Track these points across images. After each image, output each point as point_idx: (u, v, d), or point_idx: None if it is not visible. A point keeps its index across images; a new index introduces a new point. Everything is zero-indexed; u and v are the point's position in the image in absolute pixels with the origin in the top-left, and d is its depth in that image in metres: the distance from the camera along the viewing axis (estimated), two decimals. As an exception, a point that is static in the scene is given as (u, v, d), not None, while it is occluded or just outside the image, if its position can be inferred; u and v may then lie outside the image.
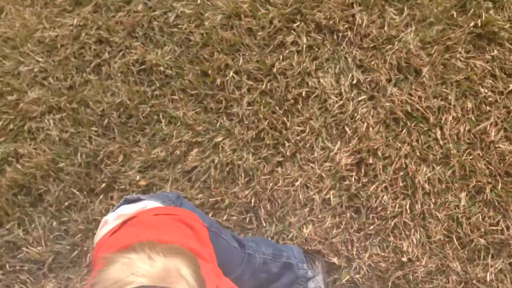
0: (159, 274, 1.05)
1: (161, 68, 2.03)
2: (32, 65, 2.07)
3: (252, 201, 1.88)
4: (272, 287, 1.70)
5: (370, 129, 1.93)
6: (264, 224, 1.86)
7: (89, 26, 2.09)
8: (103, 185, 1.91)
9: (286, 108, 1.98)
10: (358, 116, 1.93)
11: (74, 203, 1.90)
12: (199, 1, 2.11)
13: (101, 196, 1.90)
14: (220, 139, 1.94)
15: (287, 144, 1.93)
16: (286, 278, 1.73)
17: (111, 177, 1.91)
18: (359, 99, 1.97)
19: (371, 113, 1.94)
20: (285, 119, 1.96)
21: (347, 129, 1.93)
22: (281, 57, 2.02)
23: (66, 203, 1.90)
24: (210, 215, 1.84)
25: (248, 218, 1.87)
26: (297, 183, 1.89)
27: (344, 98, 1.98)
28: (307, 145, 1.94)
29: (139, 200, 1.52)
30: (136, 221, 1.39)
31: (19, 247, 1.86)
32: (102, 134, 1.97)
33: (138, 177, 1.91)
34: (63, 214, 1.89)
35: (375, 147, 1.88)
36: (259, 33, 2.05)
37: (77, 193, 1.90)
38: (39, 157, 1.94)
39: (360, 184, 1.86)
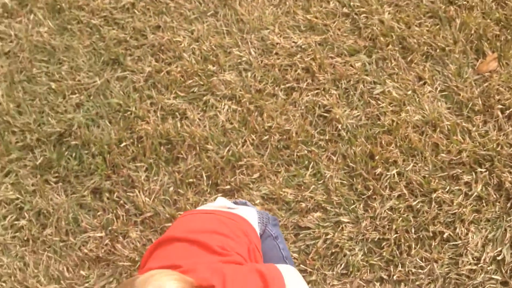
0: None
1: (339, 126, 1.72)
2: (243, 54, 1.83)
3: (335, 295, 1.51)
4: None
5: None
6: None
7: (307, 53, 1.81)
8: (227, 186, 1.65)
9: (420, 236, 1.58)
10: (482, 292, 1.48)
11: (196, 184, 1.66)
12: (410, 92, 1.73)
13: (218, 194, 1.63)
14: (345, 220, 1.60)
15: (398, 268, 1.55)
16: None
17: (238, 184, 1.65)
18: (493, 277, 1.52)
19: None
20: (413, 244, 1.57)
21: (463, 296, 1.49)
22: (447, 188, 1.62)
23: (190, 180, 1.65)
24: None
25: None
26: (384, 311, 1.49)
27: (479, 266, 1.55)
28: (416, 283, 1.53)
29: (244, 205, 1.48)
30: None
31: (134, 187, 1.67)
32: (256, 145, 1.68)
33: (258, 201, 1.61)
34: (182, 186, 1.66)
35: None
36: (442, 154, 1.65)
37: (204, 177, 1.65)
38: (196, 128, 1.71)
39: None
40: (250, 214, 1.46)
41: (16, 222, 1.69)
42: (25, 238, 1.66)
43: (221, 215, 1.40)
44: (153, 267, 1.17)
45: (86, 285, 1.59)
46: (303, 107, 1.80)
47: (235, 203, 1.50)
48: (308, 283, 1.58)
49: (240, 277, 1.24)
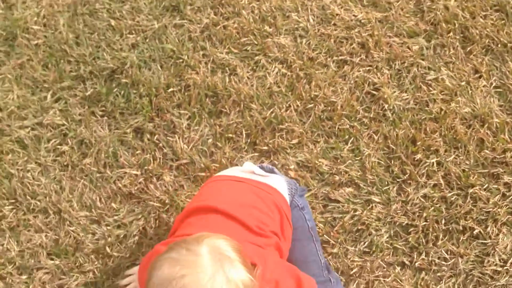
0: None
1: (386, 106, 1.61)
2: (301, 20, 1.73)
3: (355, 271, 1.43)
4: None
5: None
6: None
7: (366, 28, 1.71)
8: (265, 147, 1.59)
9: (450, 228, 1.49)
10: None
11: (235, 140, 1.61)
12: (463, 83, 1.61)
13: (255, 154, 1.57)
14: (376, 200, 1.51)
15: (422, 256, 1.47)
16: None
17: (276, 147, 1.59)
18: (519, 283, 1.41)
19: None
20: (441, 236, 1.48)
21: (483, 294, 1.40)
22: (486, 186, 1.52)
23: (230, 135, 1.58)
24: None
25: (329, 280, 1.43)
26: (400, 294, 1.41)
27: (505, 268, 1.46)
28: (438, 274, 1.44)
29: (272, 172, 1.45)
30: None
31: (174, 132, 1.62)
32: (300, 112, 1.60)
33: (292, 166, 1.53)
34: (221, 140, 1.61)
35: None
36: (486, 151, 1.54)
37: (244, 135, 1.58)
38: (244, 86, 1.65)
39: None
40: (280, 184, 1.41)
41: (58, 147, 1.66)
42: (65, 164, 1.63)
43: (254, 185, 1.35)
44: (191, 233, 1.12)
45: (115, 217, 1.56)
46: (352, 82, 1.69)
47: (261, 167, 1.44)
48: (329, 254, 1.50)
49: (279, 271, 1.22)
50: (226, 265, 1.01)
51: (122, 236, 1.53)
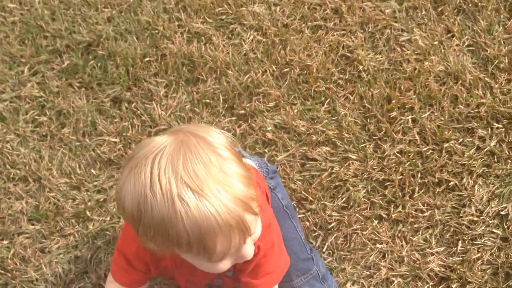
0: None
1: (361, 67, 1.71)
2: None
3: (332, 225, 1.51)
4: None
5: (479, 262, 1.45)
6: (324, 251, 1.48)
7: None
8: (242, 111, 1.66)
9: (426, 181, 1.57)
10: (480, 243, 1.46)
11: (213, 105, 1.68)
12: (436, 43, 1.70)
13: (232, 118, 1.65)
14: (353, 157, 1.59)
15: (398, 209, 1.55)
16: None
17: (253, 110, 1.66)
18: (494, 231, 1.51)
19: (492, 251, 1.46)
20: (417, 189, 1.55)
21: (460, 243, 1.48)
22: (461, 140, 1.60)
23: (207, 101, 1.66)
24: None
25: (317, 235, 1.51)
26: (379, 246, 1.49)
27: (481, 218, 1.54)
28: (415, 225, 1.52)
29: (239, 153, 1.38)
30: None
31: (152, 100, 1.69)
32: (276, 76, 1.68)
33: (270, 128, 1.61)
34: (199, 106, 1.68)
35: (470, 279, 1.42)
36: (460, 106, 1.63)
37: (221, 100, 1.67)
38: (220, 53, 1.72)
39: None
40: (253, 165, 1.44)
41: (37, 117, 1.73)
42: (44, 134, 1.71)
43: None
44: None
45: (95, 183, 1.63)
46: (327, 46, 1.78)
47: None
48: (308, 211, 1.58)
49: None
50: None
51: (102, 200, 1.60)
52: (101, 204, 1.60)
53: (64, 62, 1.81)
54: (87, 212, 1.58)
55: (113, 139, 1.68)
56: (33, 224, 1.59)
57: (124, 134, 1.68)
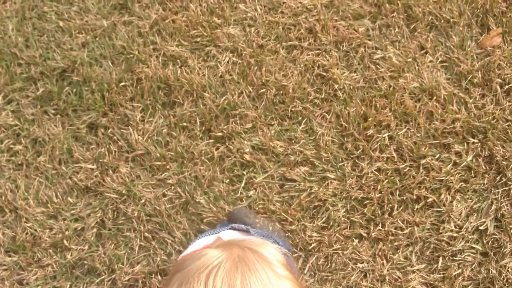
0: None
1: (336, 86, 1.74)
2: (249, 9, 1.88)
3: (313, 246, 1.53)
4: None
5: (460, 278, 1.48)
6: (305, 273, 1.51)
7: (312, 13, 1.89)
8: (219, 133, 1.69)
9: (404, 198, 1.60)
10: (460, 259, 1.49)
11: (190, 129, 1.70)
12: (410, 60, 1.75)
13: (210, 141, 1.67)
14: (332, 176, 1.62)
15: (378, 227, 1.57)
16: None
17: (230, 132, 1.68)
18: (474, 246, 1.54)
19: (473, 267, 1.49)
20: (396, 206, 1.59)
21: (441, 260, 1.51)
22: (437, 156, 1.64)
23: (184, 124, 1.69)
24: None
25: (298, 257, 1.53)
26: (360, 265, 1.52)
27: (460, 233, 1.57)
28: (395, 243, 1.55)
29: (247, 232, 1.29)
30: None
31: (128, 125, 1.71)
32: (252, 98, 1.72)
33: (247, 150, 1.64)
34: (176, 129, 1.70)
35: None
36: (436, 122, 1.67)
37: (198, 123, 1.69)
38: (196, 76, 1.75)
39: None
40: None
41: (12, 146, 1.75)
42: (19, 163, 1.72)
43: None
44: None
45: (72, 211, 1.64)
46: (302, 65, 1.82)
47: (232, 228, 1.32)
48: (288, 232, 1.61)
49: None
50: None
51: (79, 229, 1.62)
52: (79, 233, 1.61)
53: (39, 89, 1.83)
54: (65, 242, 1.59)
55: (90, 166, 1.70)
56: (10, 256, 1.59)
57: (100, 160, 1.70)
